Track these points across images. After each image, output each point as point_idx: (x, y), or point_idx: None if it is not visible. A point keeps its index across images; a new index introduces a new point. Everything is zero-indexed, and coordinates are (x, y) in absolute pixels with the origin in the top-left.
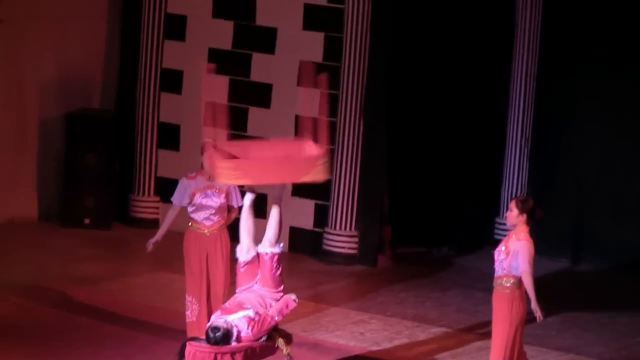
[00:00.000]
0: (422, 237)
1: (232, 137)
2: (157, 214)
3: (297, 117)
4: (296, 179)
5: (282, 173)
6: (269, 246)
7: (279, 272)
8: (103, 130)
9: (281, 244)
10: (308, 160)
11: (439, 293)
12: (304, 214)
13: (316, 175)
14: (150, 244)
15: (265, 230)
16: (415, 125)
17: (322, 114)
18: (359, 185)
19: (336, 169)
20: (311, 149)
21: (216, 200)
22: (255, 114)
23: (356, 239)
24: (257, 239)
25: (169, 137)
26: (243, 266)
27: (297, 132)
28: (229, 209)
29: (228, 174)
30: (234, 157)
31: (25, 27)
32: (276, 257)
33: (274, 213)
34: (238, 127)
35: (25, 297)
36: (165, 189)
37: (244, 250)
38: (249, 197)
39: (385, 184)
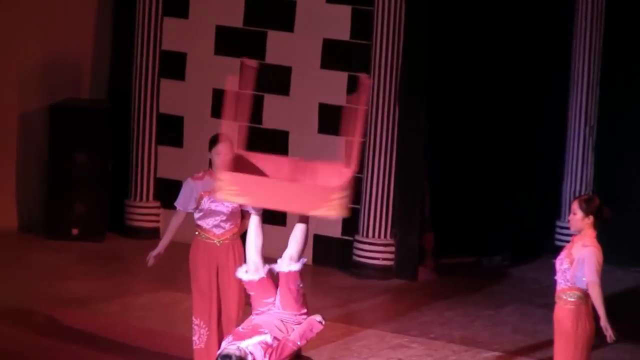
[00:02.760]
0: (470, 245)
1: (249, 131)
2: (158, 222)
3: (321, 105)
4: (304, 210)
5: (289, 200)
6: (289, 263)
7: (301, 291)
8: (93, 124)
9: (304, 260)
10: (323, 192)
11: (491, 311)
12: (331, 219)
13: (330, 210)
14: (151, 257)
15: (276, 239)
16: (460, 113)
17: (361, 103)
18: (395, 184)
19: (368, 165)
20: (335, 176)
21: (228, 205)
22: (271, 102)
23: (392, 248)
24: (273, 247)
25: (171, 131)
26: (251, 289)
27: (322, 123)
28: (243, 214)
29: (225, 188)
30: (240, 169)
31: (4, 7)
32: (297, 276)
33: (300, 228)
34: (252, 119)
35: (4, 321)
36: (167, 192)
37: (251, 269)
38: (255, 217)
39: (426, 182)
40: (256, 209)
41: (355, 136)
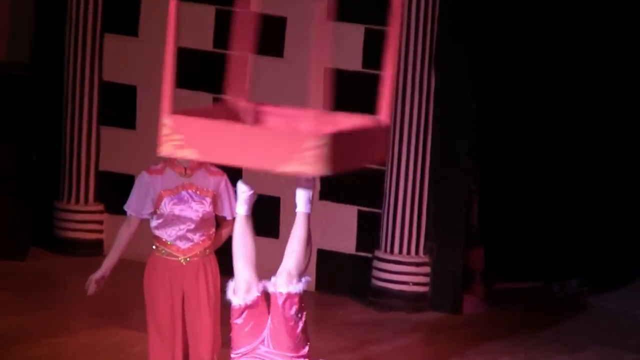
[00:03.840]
0: (535, 265)
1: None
2: (101, 232)
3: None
4: (268, 165)
5: (250, 152)
6: (287, 283)
7: (301, 324)
8: (10, 98)
9: (306, 280)
10: (294, 139)
11: (564, 355)
12: (342, 229)
13: (302, 165)
14: (93, 282)
15: (274, 256)
16: (522, 90)
17: (394, 25)
18: (431, 182)
19: (393, 154)
20: (314, 122)
21: (197, 208)
22: (258, 67)
23: (427, 269)
24: (263, 268)
25: (119, 106)
26: (241, 314)
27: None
28: (219, 221)
29: (167, 138)
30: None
31: None
32: (296, 300)
33: (298, 231)
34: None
35: None
36: (114, 191)
37: (241, 288)
38: (244, 197)
39: (473, 180)
40: (242, 203)
41: (387, 71)
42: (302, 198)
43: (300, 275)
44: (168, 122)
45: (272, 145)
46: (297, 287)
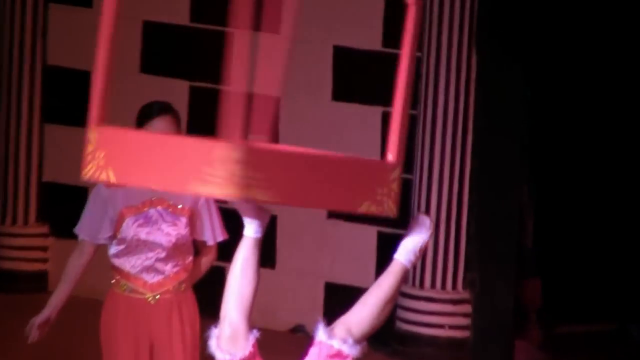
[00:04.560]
0: (607, 303)
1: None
2: (46, 261)
3: (337, 50)
4: (180, 185)
5: (175, 173)
6: (343, 339)
7: None
8: None
9: (363, 346)
10: (203, 148)
11: None
12: (357, 256)
13: (214, 185)
14: (35, 326)
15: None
16: (587, 81)
17: (408, 40)
18: (471, 196)
19: (421, 159)
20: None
21: (170, 231)
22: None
23: (467, 308)
24: (259, 307)
25: (68, 99)
26: None
27: (338, 83)
28: (198, 248)
29: (91, 157)
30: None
31: None
32: None
33: (385, 284)
34: (212, 76)
35: None
36: (62, 208)
37: (225, 335)
38: (249, 238)
39: (527, 195)
40: (254, 220)
41: (397, 105)
42: (408, 244)
43: (359, 340)
44: (93, 137)
45: (180, 158)
46: (352, 349)
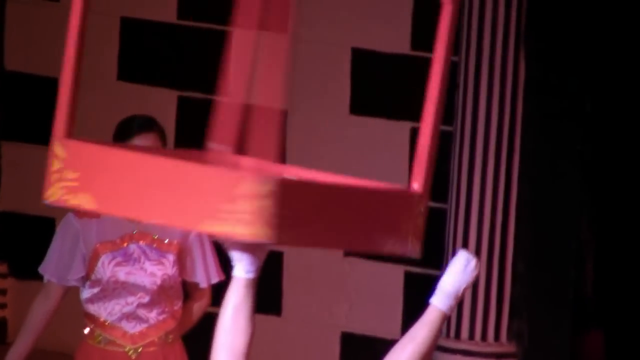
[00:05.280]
0: None
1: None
2: (4, 307)
3: (355, 52)
4: (191, 223)
5: (161, 204)
6: None
7: None
8: None
9: None
10: (224, 180)
11: None
12: (380, 301)
13: (234, 224)
14: None
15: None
16: None
17: (441, 44)
18: (519, 229)
19: (459, 187)
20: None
21: (155, 271)
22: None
23: None
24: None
25: (30, 111)
26: None
27: (357, 93)
28: (189, 292)
29: (57, 177)
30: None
31: None
32: None
33: (421, 334)
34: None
35: None
36: (23, 244)
37: None
38: (239, 279)
39: (587, 229)
40: (245, 258)
41: (427, 121)
42: (447, 286)
43: None
44: (60, 152)
45: (194, 189)
46: None
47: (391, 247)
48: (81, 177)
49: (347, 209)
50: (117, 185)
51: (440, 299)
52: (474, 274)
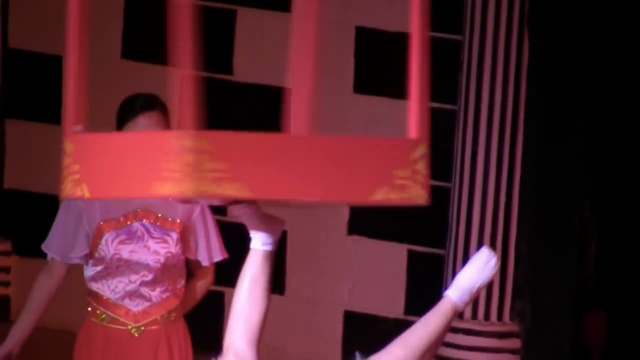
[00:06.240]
0: None
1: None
2: (7, 285)
3: (359, 31)
4: (142, 190)
5: (134, 173)
6: None
7: None
8: None
9: None
10: (160, 138)
11: None
12: (383, 279)
13: (403, 191)
14: None
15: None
16: None
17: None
18: (521, 210)
19: (462, 167)
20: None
21: (158, 249)
22: (248, 26)
23: (516, 344)
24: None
25: (33, 89)
26: None
27: (361, 72)
28: (192, 270)
29: (68, 171)
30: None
31: None
32: None
33: (432, 322)
34: (209, 64)
35: None
36: (26, 221)
37: None
38: (259, 250)
39: (589, 210)
40: (264, 230)
41: (415, 60)
42: (464, 281)
43: None
44: (69, 148)
45: (144, 155)
46: None
47: (384, 196)
48: (80, 169)
49: (314, 160)
50: (103, 169)
51: (456, 293)
52: (493, 272)
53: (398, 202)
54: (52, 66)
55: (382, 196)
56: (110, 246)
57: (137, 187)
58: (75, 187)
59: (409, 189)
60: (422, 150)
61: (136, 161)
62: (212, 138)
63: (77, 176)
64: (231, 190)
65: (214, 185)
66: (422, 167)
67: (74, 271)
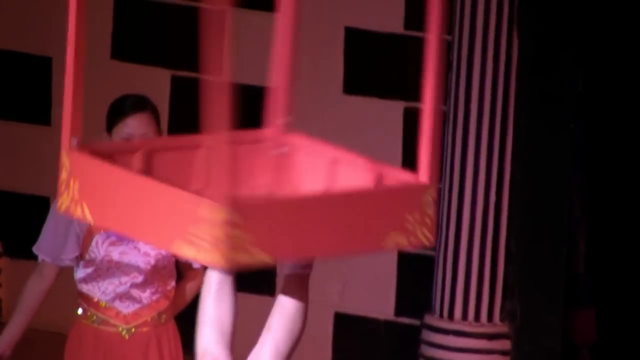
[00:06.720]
0: None
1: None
2: None
3: (349, 32)
4: (162, 242)
5: (143, 218)
6: None
7: None
8: None
9: None
10: (188, 203)
11: None
12: (373, 281)
13: (197, 249)
14: None
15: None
16: None
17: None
18: (511, 209)
19: (452, 168)
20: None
21: (148, 251)
22: (247, 26)
23: (505, 344)
24: (249, 334)
25: (21, 89)
26: None
27: (349, 73)
28: (182, 271)
29: (66, 186)
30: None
31: None
32: None
33: (286, 303)
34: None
35: None
36: (17, 222)
37: None
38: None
39: (579, 207)
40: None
41: (427, 107)
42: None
43: (288, 354)
44: (67, 161)
45: (164, 210)
46: None
47: (394, 240)
48: (80, 187)
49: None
50: (107, 199)
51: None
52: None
53: (406, 246)
54: (42, 67)
55: (393, 240)
56: (100, 248)
57: (154, 237)
58: (74, 205)
59: (417, 232)
60: (431, 194)
61: (158, 213)
62: (243, 210)
63: (75, 194)
64: (261, 258)
65: (244, 255)
66: (431, 211)
67: (65, 273)
